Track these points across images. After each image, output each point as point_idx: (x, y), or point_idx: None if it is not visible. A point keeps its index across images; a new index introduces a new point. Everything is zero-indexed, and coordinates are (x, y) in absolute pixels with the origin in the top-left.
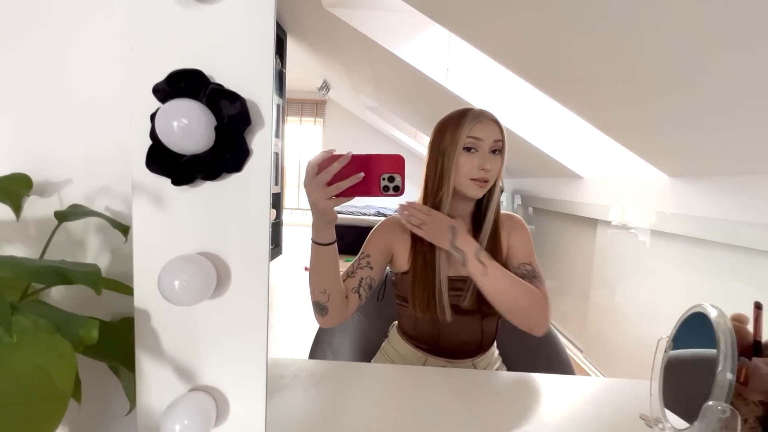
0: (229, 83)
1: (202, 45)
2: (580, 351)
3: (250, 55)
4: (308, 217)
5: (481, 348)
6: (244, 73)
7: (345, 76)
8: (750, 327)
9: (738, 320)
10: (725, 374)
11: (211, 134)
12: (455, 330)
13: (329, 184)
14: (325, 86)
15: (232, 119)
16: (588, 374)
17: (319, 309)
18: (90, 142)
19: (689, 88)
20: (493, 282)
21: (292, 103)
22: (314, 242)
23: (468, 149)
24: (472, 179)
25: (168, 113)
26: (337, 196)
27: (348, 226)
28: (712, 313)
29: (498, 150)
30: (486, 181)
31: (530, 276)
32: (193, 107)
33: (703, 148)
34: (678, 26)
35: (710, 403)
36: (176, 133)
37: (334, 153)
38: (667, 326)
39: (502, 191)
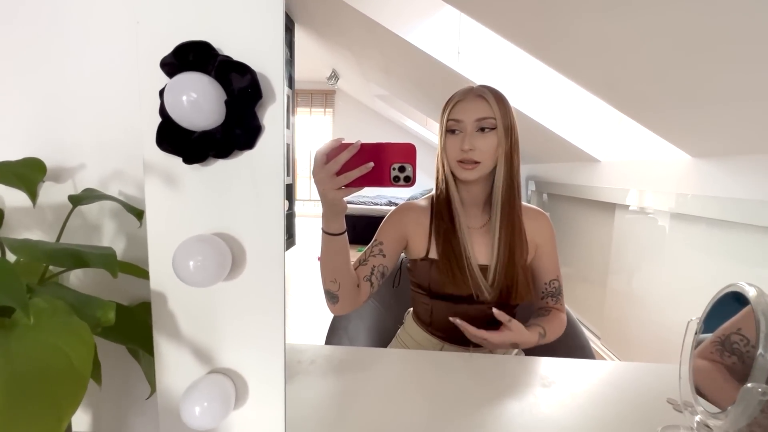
0: (239, 55)
1: (210, 16)
2: (598, 338)
3: (260, 25)
4: (320, 208)
5: None
6: (253, 45)
7: (354, 64)
8: None
9: None
10: (766, 356)
11: (222, 109)
12: (472, 318)
13: (338, 173)
14: (335, 76)
15: (243, 92)
16: (606, 360)
17: (331, 297)
18: (102, 127)
19: (712, 62)
20: (545, 340)
21: (301, 94)
22: (324, 232)
23: (452, 131)
24: (458, 161)
25: (176, 87)
26: (346, 186)
27: (359, 216)
28: (751, 292)
29: (489, 128)
30: (474, 162)
31: (556, 294)
32: (202, 80)
33: (727, 125)
34: None
35: (749, 385)
36: (186, 108)
37: (343, 142)
38: (687, 312)
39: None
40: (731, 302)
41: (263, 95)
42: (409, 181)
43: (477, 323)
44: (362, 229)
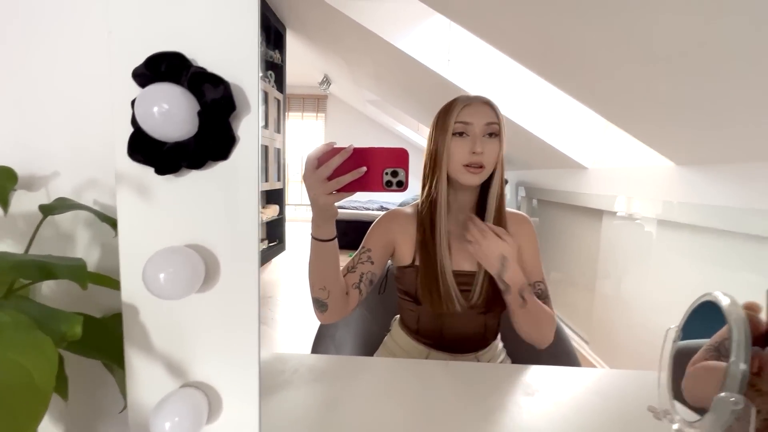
0: (213, 66)
1: (183, 26)
2: (586, 343)
3: (234, 36)
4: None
5: (484, 341)
6: (227, 55)
7: (346, 70)
8: (763, 316)
9: (750, 309)
10: (738, 364)
11: (194, 120)
12: (458, 324)
13: (330, 178)
14: (326, 81)
15: (216, 104)
16: (594, 366)
17: (319, 305)
18: (76, 134)
19: (696, 73)
20: (528, 315)
21: (293, 99)
22: (314, 238)
23: (459, 134)
24: (465, 165)
25: (148, 98)
26: (337, 191)
27: (350, 221)
28: (724, 302)
29: (494, 134)
30: (481, 167)
31: (543, 296)
32: (174, 91)
33: (711, 134)
34: (684, 7)
35: (722, 394)
36: (157, 119)
37: (335, 146)
38: (674, 317)
39: (505, 183)
40: (710, 309)
41: (237, 106)
42: (402, 186)
43: (465, 329)
44: (354, 234)
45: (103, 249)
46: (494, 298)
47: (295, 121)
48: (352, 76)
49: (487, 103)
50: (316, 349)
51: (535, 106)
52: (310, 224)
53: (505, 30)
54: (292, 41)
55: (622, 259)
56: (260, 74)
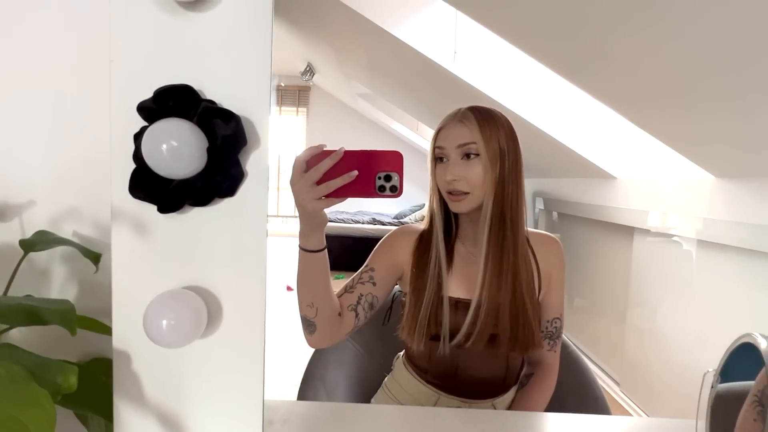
0: (222, 99)
1: (192, 58)
2: (617, 384)
3: (246, 68)
4: (290, 226)
5: (504, 386)
6: (238, 87)
7: (333, 59)
8: None
9: None
10: None
11: (203, 157)
12: (476, 364)
13: (319, 183)
14: (310, 70)
15: (227, 140)
16: (626, 412)
17: (307, 325)
18: (55, 160)
19: (737, 73)
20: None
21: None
22: (302, 249)
23: (440, 159)
24: (447, 193)
25: (156, 135)
26: (327, 196)
27: (337, 236)
28: (762, 344)
29: (474, 154)
30: (462, 193)
31: (555, 336)
32: (183, 128)
33: (755, 144)
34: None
35: None
36: (165, 157)
37: (325, 148)
38: (719, 354)
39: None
40: (751, 350)
41: (247, 141)
42: (396, 191)
43: (483, 369)
44: (340, 252)
45: (82, 286)
46: (495, 335)
47: (272, 117)
48: (340, 66)
49: (464, 121)
50: (303, 394)
51: (555, 106)
52: (289, 239)
53: (517, 20)
54: None
55: (658, 284)
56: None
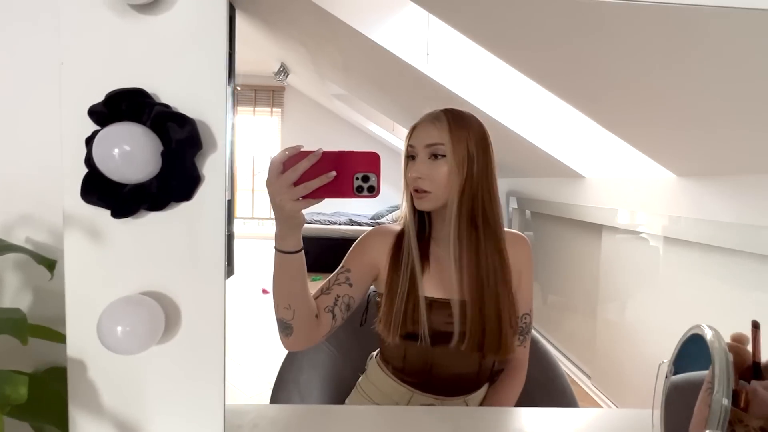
0: (177, 103)
1: (145, 61)
2: (588, 377)
3: (201, 71)
4: (264, 228)
5: (476, 383)
6: (193, 91)
7: (307, 59)
8: (750, 348)
9: (738, 341)
10: (720, 399)
11: (158, 161)
12: (451, 362)
13: (296, 184)
14: (284, 71)
15: (181, 144)
16: (597, 404)
17: (284, 328)
18: (4, 166)
19: (697, 80)
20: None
21: (244, 91)
22: (278, 250)
23: (412, 158)
24: (413, 189)
25: (107, 139)
26: (305, 197)
27: (313, 238)
28: (708, 335)
29: (441, 155)
30: (424, 191)
31: (525, 331)
32: (135, 132)
33: (711, 145)
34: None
35: (707, 431)
36: (117, 161)
37: (302, 149)
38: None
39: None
40: (700, 341)
41: (203, 145)
42: (373, 191)
43: (457, 366)
44: (317, 253)
45: (36, 294)
46: (481, 337)
47: (246, 117)
48: (314, 66)
49: (435, 122)
50: (276, 397)
51: (526, 107)
52: (263, 241)
53: (485, 24)
54: (242, 24)
55: (626, 279)
56: (229, 108)
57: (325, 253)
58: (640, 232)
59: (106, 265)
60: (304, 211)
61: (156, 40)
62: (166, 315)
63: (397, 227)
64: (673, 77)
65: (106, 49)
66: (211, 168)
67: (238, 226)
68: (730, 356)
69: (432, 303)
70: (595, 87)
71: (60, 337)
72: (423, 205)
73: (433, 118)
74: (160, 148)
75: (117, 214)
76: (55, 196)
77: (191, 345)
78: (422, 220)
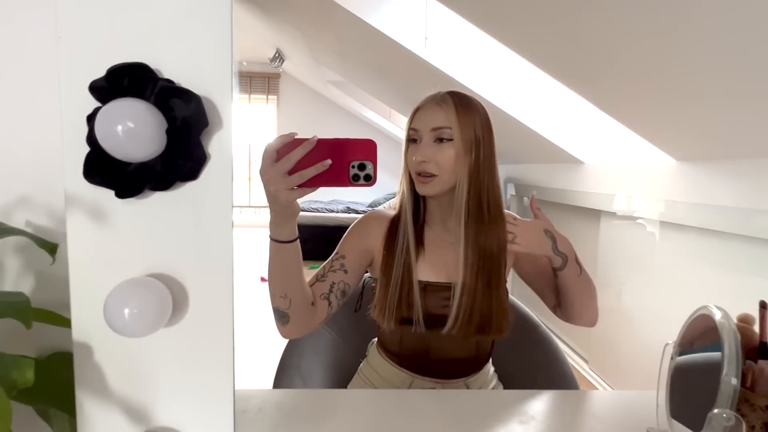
0: (181, 79)
1: (148, 34)
2: (585, 361)
3: (205, 45)
4: (261, 216)
5: (475, 365)
6: (198, 66)
7: (303, 45)
8: (757, 328)
9: (744, 321)
10: (729, 379)
11: (162, 138)
12: (447, 345)
13: (291, 172)
14: (279, 57)
15: (186, 121)
16: (594, 387)
17: (280, 316)
18: (4, 147)
19: (696, 62)
20: (583, 285)
21: (239, 78)
22: (273, 240)
23: (413, 141)
24: (416, 173)
25: (110, 116)
26: (300, 186)
27: (310, 226)
28: (717, 315)
29: (447, 139)
30: (429, 175)
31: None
32: (139, 108)
33: (711, 129)
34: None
35: (715, 411)
36: (120, 139)
37: (297, 137)
38: (679, 328)
39: (495, 189)
40: (707, 323)
41: (209, 122)
42: (370, 180)
43: (454, 350)
44: (315, 242)
45: (38, 278)
46: (482, 318)
47: (241, 105)
48: (310, 52)
49: (441, 104)
50: (279, 383)
51: (525, 92)
52: (260, 230)
53: (485, 6)
54: (237, 9)
55: (623, 264)
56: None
57: (322, 241)
58: (638, 218)
59: (111, 247)
60: (300, 199)
61: (159, 13)
62: (174, 297)
63: (391, 212)
64: (669, 51)
65: (106, 23)
66: (217, 146)
67: (234, 215)
68: (739, 336)
69: (426, 286)
70: (595, 70)
71: (64, 321)
72: (427, 190)
73: (438, 100)
74: (165, 125)
75: (121, 194)
76: (54, 178)
77: (199, 327)
78: (417, 205)
